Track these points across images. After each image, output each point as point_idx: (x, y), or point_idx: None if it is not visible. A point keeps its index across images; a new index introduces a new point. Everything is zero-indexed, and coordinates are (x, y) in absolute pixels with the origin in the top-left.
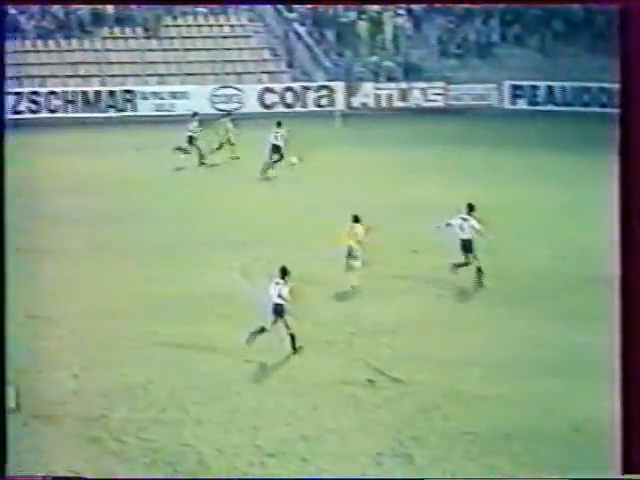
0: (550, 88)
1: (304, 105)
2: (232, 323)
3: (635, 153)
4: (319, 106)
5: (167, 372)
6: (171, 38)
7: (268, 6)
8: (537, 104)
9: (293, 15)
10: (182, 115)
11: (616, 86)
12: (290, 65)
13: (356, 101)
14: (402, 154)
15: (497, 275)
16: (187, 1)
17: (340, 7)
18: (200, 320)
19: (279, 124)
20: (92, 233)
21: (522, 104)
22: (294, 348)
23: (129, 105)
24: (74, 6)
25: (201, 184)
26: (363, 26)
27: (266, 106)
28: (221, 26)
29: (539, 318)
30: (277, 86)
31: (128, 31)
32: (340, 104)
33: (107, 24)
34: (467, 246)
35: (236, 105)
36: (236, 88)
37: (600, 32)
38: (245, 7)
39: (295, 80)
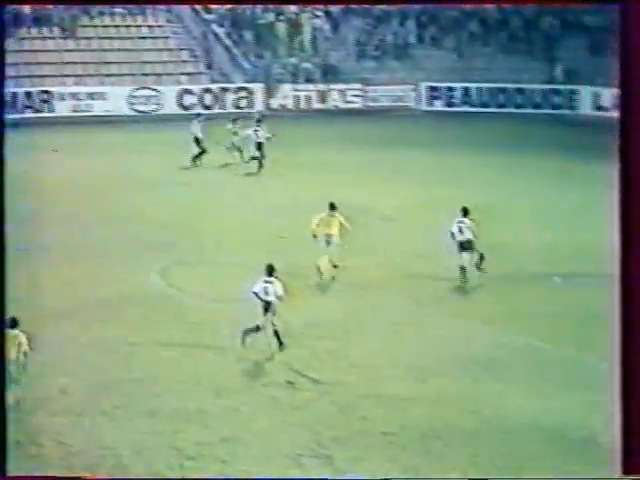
0: (466, 89)
1: (223, 107)
2: (149, 325)
3: (635, 154)
4: (238, 107)
5: (85, 375)
6: (88, 38)
7: (186, 7)
8: (453, 105)
9: (211, 16)
10: (99, 116)
11: (534, 87)
12: (209, 66)
13: (275, 102)
14: (320, 155)
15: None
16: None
17: (258, 8)
18: (117, 322)
19: (259, 121)
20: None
21: (439, 105)
22: (280, 344)
23: (46, 106)
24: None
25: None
26: (281, 28)
27: (185, 107)
28: (139, 27)
29: (470, 318)
30: (196, 87)
31: (45, 31)
32: (259, 105)
33: (24, 24)
34: (466, 247)
35: (154, 107)
36: (154, 89)
37: (515, 33)
38: (163, 8)
39: (214, 81)
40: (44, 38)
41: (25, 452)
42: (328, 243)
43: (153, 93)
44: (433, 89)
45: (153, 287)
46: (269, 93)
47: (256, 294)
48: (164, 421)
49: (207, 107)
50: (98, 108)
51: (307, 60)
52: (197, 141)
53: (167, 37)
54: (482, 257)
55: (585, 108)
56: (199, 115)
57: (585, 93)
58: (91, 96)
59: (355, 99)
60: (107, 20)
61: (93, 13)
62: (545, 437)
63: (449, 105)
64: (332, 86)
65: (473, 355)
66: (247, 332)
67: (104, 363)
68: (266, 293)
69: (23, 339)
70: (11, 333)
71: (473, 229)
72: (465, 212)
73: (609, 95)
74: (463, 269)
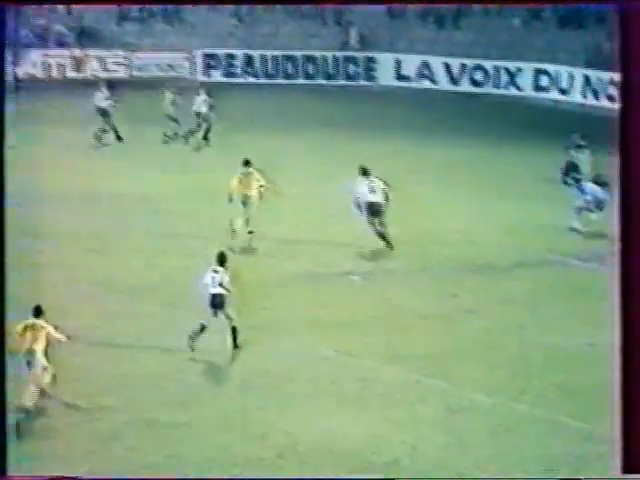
0: (248, 57)
1: None
2: None
3: (635, 151)
4: None
5: None
6: None
7: None
8: (234, 76)
9: None
10: None
11: (326, 54)
12: None
13: (21, 71)
14: (81, 132)
15: None
16: None
17: None
18: None
19: (200, 91)
20: None
21: (217, 75)
22: (235, 343)
23: None
24: None
25: None
26: None
27: None
28: None
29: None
30: None
31: None
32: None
33: None
34: (376, 210)
35: None
36: None
37: None
38: None
39: None
40: None
41: None
42: (245, 204)
43: None
44: (209, 57)
45: None
46: (14, 59)
47: (206, 286)
48: None
49: None
50: None
51: (59, 21)
52: (103, 114)
53: None
54: (383, 236)
55: (385, 78)
56: (106, 82)
57: (384, 61)
58: None
59: (118, 67)
60: None
61: None
62: (345, 464)
63: (229, 75)
64: (90, 52)
65: (255, 369)
66: (193, 336)
67: None
68: (213, 284)
69: (50, 328)
70: (37, 323)
71: (383, 187)
72: (365, 172)
73: (412, 63)
74: (382, 235)
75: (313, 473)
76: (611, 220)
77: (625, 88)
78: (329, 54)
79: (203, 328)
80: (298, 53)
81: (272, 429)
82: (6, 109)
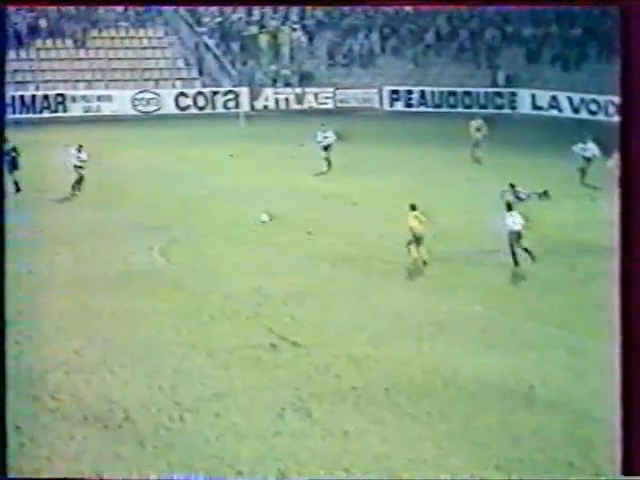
0: (422, 92)
1: (213, 107)
2: (151, 297)
3: (635, 155)
4: (226, 108)
5: (97, 340)
6: (97, 48)
7: (181, 20)
8: (412, 106)
9: (203, 29)
10: (106, 116)
11: (480, 89)
12: (201, 73)
13: (258, 104)
14: (299, 150)
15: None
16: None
17: (243, 22)
18: (124, 294)
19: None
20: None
21: (399, 106)
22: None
23: (60, 107)
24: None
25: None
26: (263, 39)
27: (181, 108)
28: (140, 38)
29: (423, 290)
30: (190, 91)
31: (59, 42)
32: (244, 106)
33: (41, 36)
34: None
35: (154, 107)
36: (154, 92)
37: (463, 44)
38: (161, 21)
39: (205, 86)
40: (58, 48)
41: (44, 406)
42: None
43: (153, 96)
44: (394, 92)
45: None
46: (253, 96)
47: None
48: (165, 379)
49: (200, 108)
50: (105, 109)
51: (286, 67)
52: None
53: (164, 47)
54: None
55: (524, 108)
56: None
57: (523, 95)
58: (99, 98)
59: (327, 100)
60: (113, 32)
61: (101, 26)
62: (490, 389)
63: (408, 106)
64: (307, 89)
65: (427, 321)
66: None
67: (112, 329)
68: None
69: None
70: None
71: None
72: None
73: (544, 96)
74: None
75: (463, 394)
76: None
77: (625, 88)
78: (482, 90)
79: None
80: (459, 89)
81: (438, 364)
82: (242, 131)
